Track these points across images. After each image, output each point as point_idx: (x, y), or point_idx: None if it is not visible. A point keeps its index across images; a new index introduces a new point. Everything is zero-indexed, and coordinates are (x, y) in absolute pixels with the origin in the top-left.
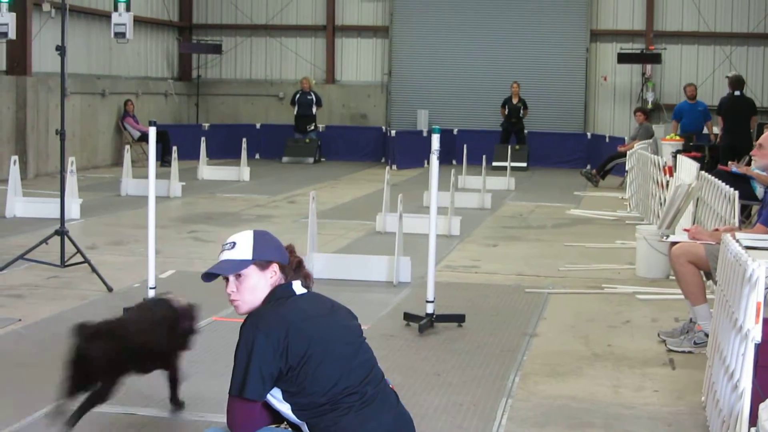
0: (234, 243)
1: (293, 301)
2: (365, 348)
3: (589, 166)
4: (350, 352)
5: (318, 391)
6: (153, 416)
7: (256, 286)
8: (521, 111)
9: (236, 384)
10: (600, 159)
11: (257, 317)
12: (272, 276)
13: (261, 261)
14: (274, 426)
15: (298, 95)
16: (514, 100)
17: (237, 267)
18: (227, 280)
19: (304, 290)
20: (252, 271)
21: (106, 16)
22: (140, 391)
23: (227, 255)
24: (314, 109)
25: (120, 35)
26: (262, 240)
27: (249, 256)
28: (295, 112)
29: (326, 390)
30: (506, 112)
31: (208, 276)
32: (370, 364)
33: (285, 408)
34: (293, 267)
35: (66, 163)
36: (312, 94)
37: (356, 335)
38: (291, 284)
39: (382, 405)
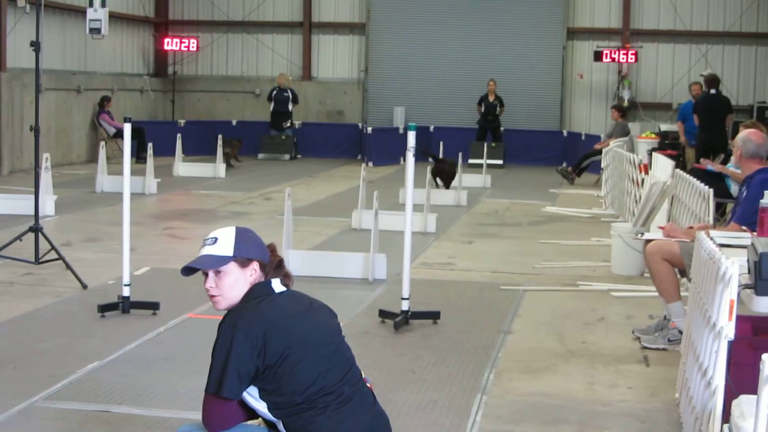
0: (216, 238)
1: (272, 300)
2: (344, 347)
3: (565, 164)
4: (328, 352)
5: (295, 390)
6: (127, 413)
7: (235, 283)
8: (497, 108)
9: (213, 382)
10: (576, 156)
11: (235, 315)
12: (252, 274)
13: (242, 258)
14: (249, 423)
15: (274, 92)
16: (491, 98)
17: (217, 263)
18: (206, 275)
19: (283, 288)
20: (232, 267)
21: (81, 12)
22: (113, 388)
23: (208, 250)
24: (291, 106)
25: (95, 31)
26: (244, 237)
27: (230, 252)
28: (271, 109)
29: (303, 389)
30: (482, 110)
31: (188, 270)
32: (348, 363)
33: (261, 406)
34: (273, 266)
35: (40, 160)
36: (289, 91)
37: (335, 334)
38: (270, 282)
39: (359, 405)
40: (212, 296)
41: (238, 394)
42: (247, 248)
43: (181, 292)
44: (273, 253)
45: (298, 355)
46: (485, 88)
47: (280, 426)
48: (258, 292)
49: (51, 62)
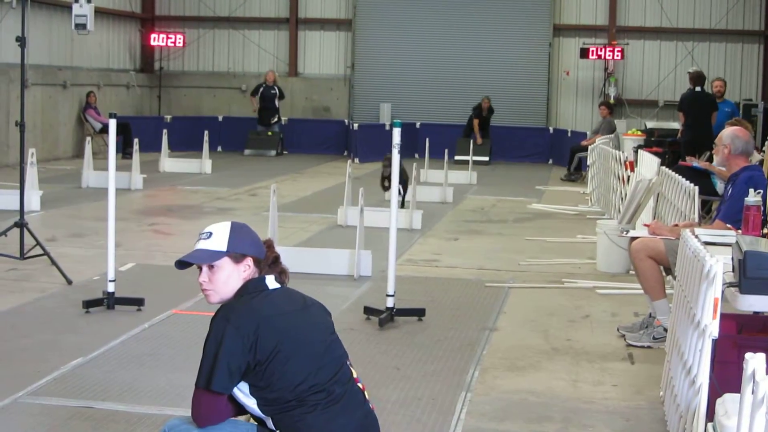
0: (210, 233)
1: (265, 296)
2: (336, 345)
3: (566, 173)
4: (320, 349)
5: (286, 386)
6: (110, 410)
7: (228, 278)
8: (489, 117)
9: (203, 376)
10: (562, 153)
11: (228, 310)
12: (246, 270)
13: (236, 254)
14: (238, 418)
15: (262, 88)
16: (485, 113)
17: (211, 257)
18: (200, 269)
19: (278, 285)
20: (225, 263)
21: (67, 7)
22: (97, 384)
23: (202, 244)
24: (277, 102)
25: (81, 26)
26: (239, 233)
27: (224, 247)
28: (256, 105)
29: (294, 386)
30: (479, 123)
31: (181, 264)
32: (340, 361)
33: (251, 403)
34: (269, 262)
35: (26, 155)
36: (276, 88)
37: (328, 332)
38: (264, 278)
39: (349, 404)
40: (205, 290)
41: (228, 388)
42: (242, 243)
43: (166, 288)
44: (269, 249)
45: (289, 351)
46: (472, 84)
47: (270, 423)
48: (252, 288)
49: (37, 57)
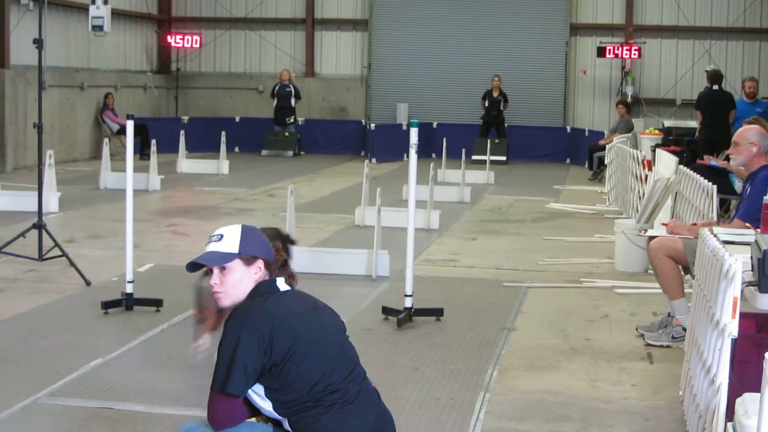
0: (221, 235)
1: (277, 297)
2: (348, 346)
3: (591, 174)
4: (334, 350)
5: (301, 387)
6: (130, 410)
7: (240, 281)
8: (501, 104)
9: (219, 379)
10: (579, 152)
11: (242, 312)
12: (257, 272)
13: (246, 256)
14: (254, 420)
15: (277, 87)
16: (495, 94)
17: (222, 259)
18: (212, 271)
19: (288, 287)
20: (237, 265)
21: (84, 9)
22: (116, 385)
23: (213, 246)
24: (293, 101)
25: (98, 28)
26: (250, 235)
27: (235, 249)
28: (274, 105)
29: (309, 387)
30: (486, 105)
31: (193, 266)
32: (353, 362)
33: (266, 405)
34: (278, 265)
35: (44, 157)
36: (291, 86)
37: (340, 333)
38: (275, 280)
39: (364, 403)
40: (216, 292)
41: (243, 391)
42: (253, 246)
43: (184, 288)
44: (278, 252)
45: (303, 352)
46: (489, 83)
47: (286, 424)
48: (263, 290)
49: (54, 59)
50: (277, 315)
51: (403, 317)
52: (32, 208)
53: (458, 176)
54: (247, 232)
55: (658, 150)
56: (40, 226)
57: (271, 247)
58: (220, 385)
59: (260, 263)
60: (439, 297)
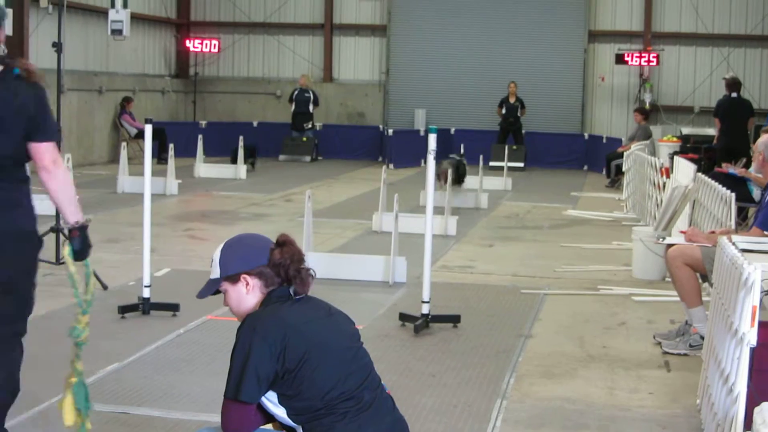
0: (211, 260)
1: (291, 304)
2: (362, 353)
3: (608, 182)
4: (348, 357)
5: (315, 395)
6: (146, 415)
7: (238, 299)
8: (518, 110)
9: (232, 386)
10: (597, 159)
11: (255, 319)
12: (246, 285)
13: (228, 276)
14: (269, 427)
15: (296, 92)
16: (511, 100)
17: (211, 287)
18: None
19: (302, 294)
20: (226, 286)
21: (103, 13)
22: (133, 390)
23: (211, 274)
24: (311, 107)
25: (117, 32)
26: (227, 253)
27: (217, 274)
28: (292, 110)
29: (323, 394)
30: (503, 112)
31: (200, 296)
32: (367, 369)
33: (280, 412)
34: (278, 269)
35: (62, 160)
36: (310, 91)
37: (354, 340)
38: (288, 288)
39: (379, 410)
40: (231, 310)
41: (256, 398)
42: (231, 263)
43: None
44: (272, 252)
45: (317, 359)
46: (506, 90)
47: (300, 431)
48: (276, 297)
49: (73, 63)
50: (289, 322)
51: (420, 324)
52: (50, 212)
53: (476, 182)
54: (225, 250)
55: (676, 157)
56: (57, 230)
57: (255, 253)
58: (233, 392)
59: (245, 277)
60: (456, 303)
